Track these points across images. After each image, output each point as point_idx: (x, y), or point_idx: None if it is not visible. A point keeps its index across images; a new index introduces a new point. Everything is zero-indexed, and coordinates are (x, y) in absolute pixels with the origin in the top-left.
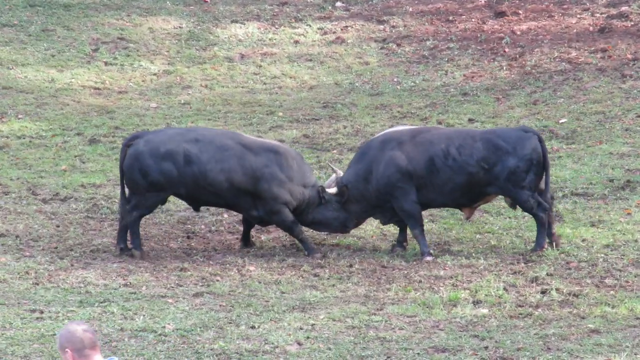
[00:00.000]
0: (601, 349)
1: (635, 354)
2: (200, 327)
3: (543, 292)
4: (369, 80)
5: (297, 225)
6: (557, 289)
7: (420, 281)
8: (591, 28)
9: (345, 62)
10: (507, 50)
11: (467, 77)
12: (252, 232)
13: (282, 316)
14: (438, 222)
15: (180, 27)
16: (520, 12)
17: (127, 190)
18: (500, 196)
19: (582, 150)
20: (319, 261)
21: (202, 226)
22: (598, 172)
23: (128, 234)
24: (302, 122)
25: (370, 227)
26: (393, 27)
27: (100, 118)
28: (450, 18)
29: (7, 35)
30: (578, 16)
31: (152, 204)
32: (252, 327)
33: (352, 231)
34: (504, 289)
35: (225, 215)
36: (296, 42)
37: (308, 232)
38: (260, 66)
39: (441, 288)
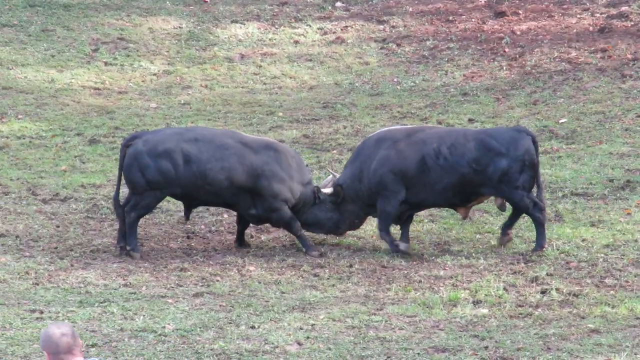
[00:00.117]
0: (601, 349)
1: (635, 354)
2: (200, 327)
3: (543, 292)
4: (369, 80)
5: (296, 221)
6: (557, 289)
7: (420, 281)
8: (591, 28)
9: (345, 62)
10: (507, 50)
11: (467, 77)
12: (253, 232)
13: (282, 316)
14: (438, 222)
15: (180, 27)
16: (520, 12)
17: (124, 191)
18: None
19: (582, 150)
20: (319, 261)
21: (202, 226)
22: (598, 172)
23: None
24: (302, 122)
25: (370, 227)
26: (393, 27)
27: (100, 118)
28: (450, 18)
29: (7, 35)
30: (578, 16)
31: (150, 204)
32: (252, 327)
33: (353, 231)
34: (504, 289)
35: (225, 215)
36: (296, 42)
37: (307, 232)
38: (260, 66)
39: (441, 288)
